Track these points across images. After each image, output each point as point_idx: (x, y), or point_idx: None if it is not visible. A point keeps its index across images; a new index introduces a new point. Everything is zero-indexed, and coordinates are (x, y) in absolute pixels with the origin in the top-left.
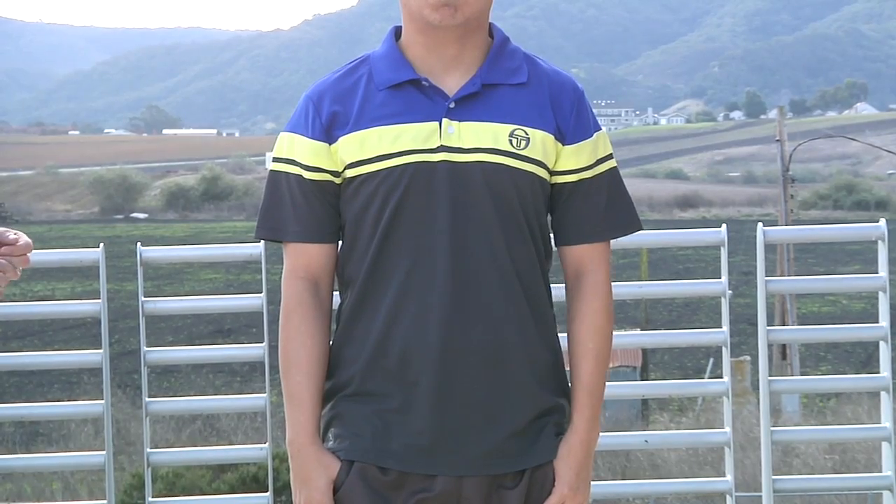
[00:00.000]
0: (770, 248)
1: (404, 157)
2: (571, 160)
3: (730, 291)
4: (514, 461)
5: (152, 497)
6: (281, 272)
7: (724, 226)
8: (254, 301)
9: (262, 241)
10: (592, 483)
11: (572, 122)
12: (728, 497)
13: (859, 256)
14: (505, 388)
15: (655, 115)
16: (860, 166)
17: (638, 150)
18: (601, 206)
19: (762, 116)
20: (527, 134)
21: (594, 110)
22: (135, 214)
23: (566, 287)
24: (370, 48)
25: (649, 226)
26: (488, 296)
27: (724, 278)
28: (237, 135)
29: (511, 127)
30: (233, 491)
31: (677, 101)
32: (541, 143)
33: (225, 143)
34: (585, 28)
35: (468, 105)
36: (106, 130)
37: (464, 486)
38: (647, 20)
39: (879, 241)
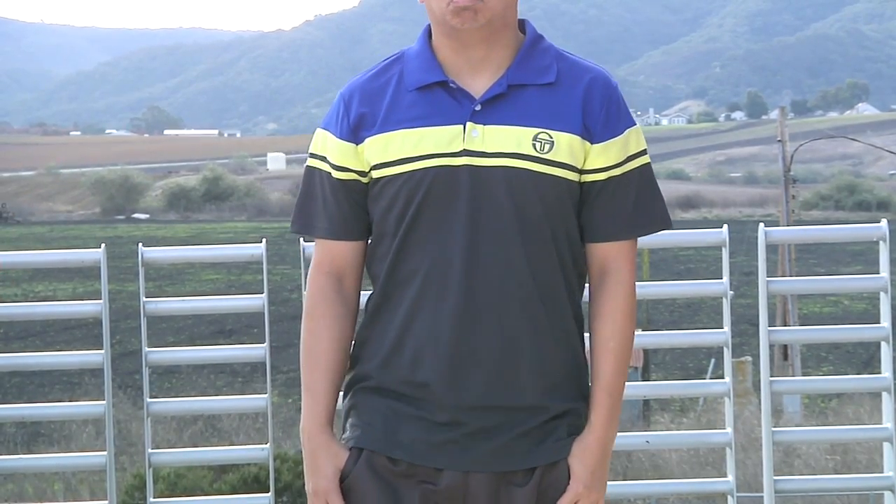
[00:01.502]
0: (771, 248)
1: (427, 160)
2: (601, 158)
3: (731, 292)
4: (521, 459)
5: (154, 497)
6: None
7: (725, 226)
8: (255, 301)
9: (264, 242)
10: None
11: (601, 121)
12: (729, 497)
13: (861, 257)
14: (515, 394)
15: (657, 116)
16: (861, 167)
17: None
18: (629, 204)
19: (763, 117)
20: (551, 137)
21: None
22: (136, 215)
23: (590, 284)
24: (371, 49)
25: None
26: (501, 300)
27: (726, 279)
28: (238, 135)
29: (535, 130)
30: (234, 491)
31: (679, 101)
32: (566, 145)
33: (226, 143)
34: (587, 28)
35: (494, 107)
36: (107, 131)
37: (470, 482)
38: (649, 21)
39: (881, 242)
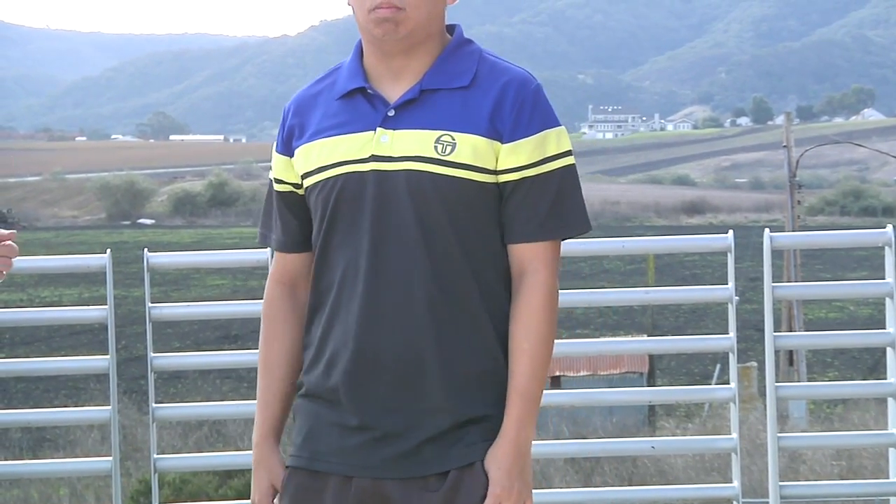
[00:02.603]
0: (777, 253)
1: (338, 168)
2: (511, 158)
3: (736, 297)
4: (431, 463)
5: (159, 503)
6: None
7: (730, 232)
8: (260, 307)
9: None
10: (599, 489)
11: (511, 121)
12: (735, 503)
13: (866, 262)
14: (418, 395)
15: (662, 121)
16: (867, 172)
17: (645, 156)
18: (545, 205)
19: (769, 122)
20: (453, 139)
21: (600, 116)
22: (142, 220)
23: (512, 287)
24: None
25: (656, 232)
26: (405, 303)
27: (731, 284)
28: (244, 141)
29: (437, 133)
30: (239, 496)
31: (684, 106)
32: (470, 147)
33: (232, 148)
34: (592, 34)
35: (406, 113)
36: (113, 136)
37: (381, 489)
38: (654, 26)
39: (886, 247)
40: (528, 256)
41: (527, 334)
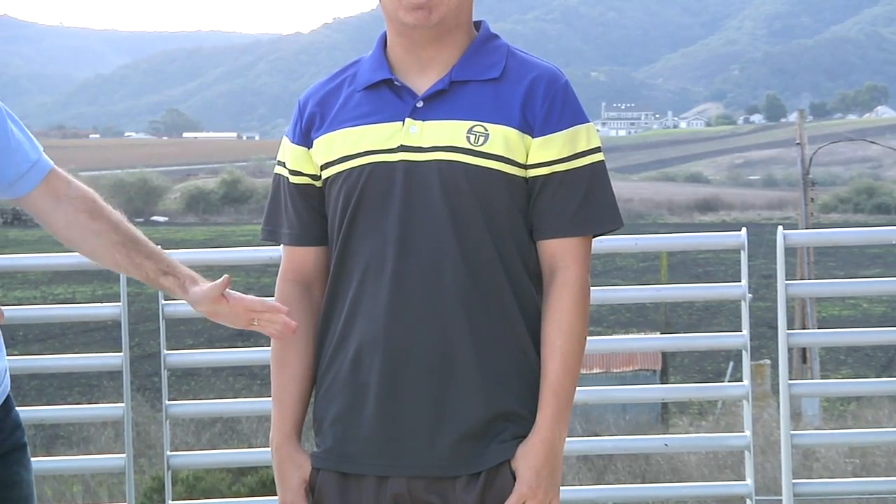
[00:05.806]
0: (790, 251)
1: (364, 157)
2: (540, 153)
3: (750, 295)
4: (466, 464)
5: (172, 500)
6: None
7: (743, 229)
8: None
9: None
10: (612, 486)
11: (542, 115)
12: (748, 501)
13: (879, 260)
14: (451, 390)
15: (675, 119)
16: (881, 169)
17: (658, 154)
18: (576, 201)
19: (782, 120)
20: (486, 130)
21: (613, 113)
22: (155, 217)
23: (543, 284)
24: None
25: (669, 229)
26: (435, 296)
27: (744, 281)
28: (257, 138)
29: (470, 123)
30: (252, 494)
31: (697, 104)
32: (502, 138)
33: (245, 146)
34: (605, 31)
35: (435, 104)
36: (126, 134)
37: (416, 488)
38: (667, 23)
39: None
40: (559, 252)
41: (559, 331)
